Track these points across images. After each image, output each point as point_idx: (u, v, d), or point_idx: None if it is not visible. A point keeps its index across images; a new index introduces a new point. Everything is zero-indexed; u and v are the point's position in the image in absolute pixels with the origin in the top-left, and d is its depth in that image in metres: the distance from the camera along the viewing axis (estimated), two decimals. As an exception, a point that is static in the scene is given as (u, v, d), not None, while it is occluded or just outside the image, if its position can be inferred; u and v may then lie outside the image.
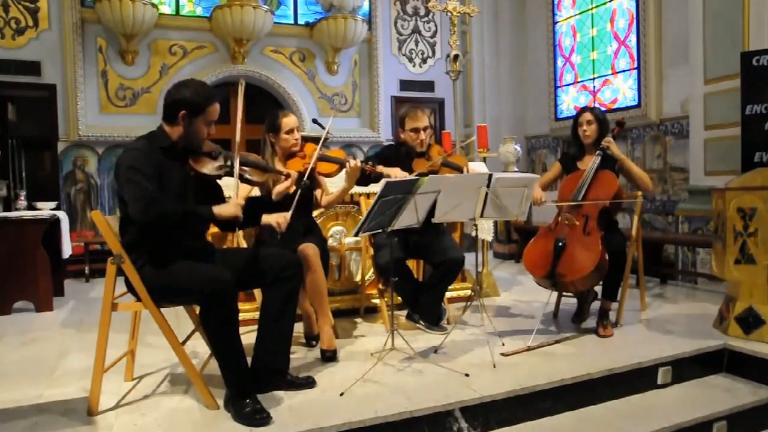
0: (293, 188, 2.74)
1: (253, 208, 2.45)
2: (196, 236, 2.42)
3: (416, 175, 3.14)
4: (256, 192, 3.13)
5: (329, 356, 2.86)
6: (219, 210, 2.24)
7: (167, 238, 2.25)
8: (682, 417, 2.52)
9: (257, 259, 2.43)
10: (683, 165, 5.37)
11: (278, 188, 2.73)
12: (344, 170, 3.03)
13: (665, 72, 5.66)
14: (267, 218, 2.73)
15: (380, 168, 3.11)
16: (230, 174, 2.30)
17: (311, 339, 3.15)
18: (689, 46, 5.01)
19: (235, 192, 2.31)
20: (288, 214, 2.64)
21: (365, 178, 3.17)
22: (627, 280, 3.48)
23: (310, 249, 2.87)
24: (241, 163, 2.33)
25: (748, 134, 4.12)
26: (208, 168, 2.31)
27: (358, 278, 3.91)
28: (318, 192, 3.23)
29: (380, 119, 7.83)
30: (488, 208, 2.89)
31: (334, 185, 3.27)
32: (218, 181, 2.47)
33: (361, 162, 3.03)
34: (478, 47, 7.76)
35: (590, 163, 3.34)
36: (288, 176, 2.61)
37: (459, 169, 3.37)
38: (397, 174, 3.14)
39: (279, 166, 3.11)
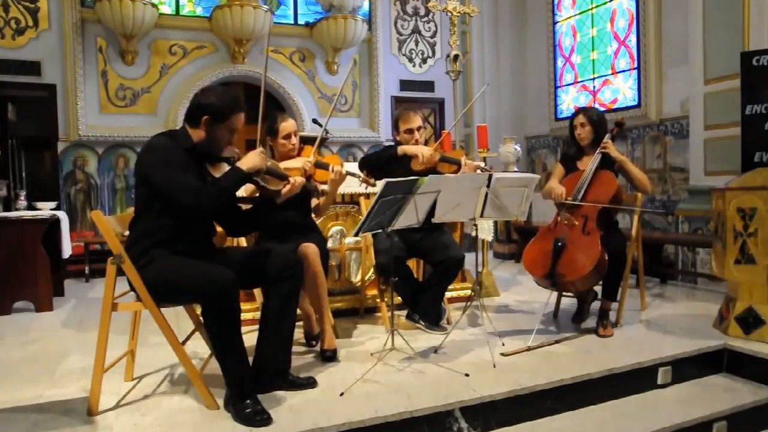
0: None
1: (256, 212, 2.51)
2: (202, 236, 2.43)
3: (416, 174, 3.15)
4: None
5: (329, 356, 2.86)
6: (242, 164, 2.24)
7: (178, 235, 2.27)
8: (682, 417, 2.52)
9: (258, 259, 2.43)
10: (683, 165, 5.37)
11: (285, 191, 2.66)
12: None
13: (665, 72, 5.67)
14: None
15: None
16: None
17: (311, 339, 3.16)
18: (689, 46, 5.01)
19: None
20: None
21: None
22: (627, 280, 3.48)
23: (309, 249, 2.87)
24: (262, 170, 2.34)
25: (748, 134, 4.11)
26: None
27: (358, 278, 3.91)
28: (314, 200, 3.22)
29: (380, 119, 7.83)
30: (488, 208, 2.89)
31: None
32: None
33: (347, 172, 2.99)
34: (478, 47, 7.76)
35: (589, 163, 3.34)
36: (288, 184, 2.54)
37: (456, 163, 3.36)
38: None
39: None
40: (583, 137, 3.42)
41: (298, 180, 2.47)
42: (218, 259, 2.39)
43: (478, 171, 3.27)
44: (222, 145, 2.33)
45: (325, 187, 3.08)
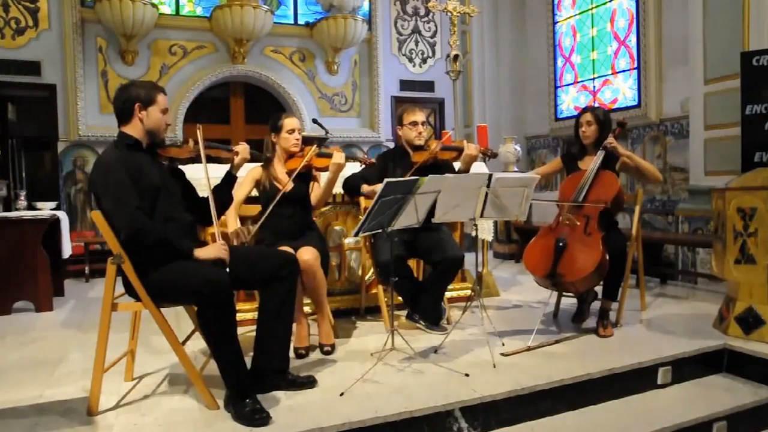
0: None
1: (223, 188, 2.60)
2: (188, 235, 2.42)
3: (417, 170, 3.16)
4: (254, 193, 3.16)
5: (328, 351, 2.89)
6: (200, 252, 2.28)
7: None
8: (682, 417, 2.52)
9: (254, 259, 2.44)
10: (683, 165, 5.37)
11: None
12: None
13: (665, 72, 5.67)
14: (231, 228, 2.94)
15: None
16: (199, 153, 2.44)
17: (299, 350, 2.97)
18: (689, 46, 5.01)
19: (204, 172, 2.40)
20: (254, 227, 2.92)
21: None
22: (627, 280, 3.48)
23: (307, 253, 2.85)
24: (206, 146, 2.46)
25: (748, 134, 4.12)
26: (180, 153, 2.44)
27: (358, 278, 3.90)
28: (312, 185, 3.24)
29: (380, 119, 7.83)
30: (488, 208, 2.89)
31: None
32: (192, 183, 2.59)
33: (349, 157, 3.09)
34: (478, 47, 7.76)
35: (591, 163, 3.34)
36: (237, 153, 2.60)
37: (458, 150, 3.36)
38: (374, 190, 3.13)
39: (278, 167, 3.14)
40: (587, 135, 3.42)
41: (239, 147, 2.58)
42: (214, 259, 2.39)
43: (480, 155, 3.33)
44: (162, 127, 2.40)
45: (325, 174, 3.14)
